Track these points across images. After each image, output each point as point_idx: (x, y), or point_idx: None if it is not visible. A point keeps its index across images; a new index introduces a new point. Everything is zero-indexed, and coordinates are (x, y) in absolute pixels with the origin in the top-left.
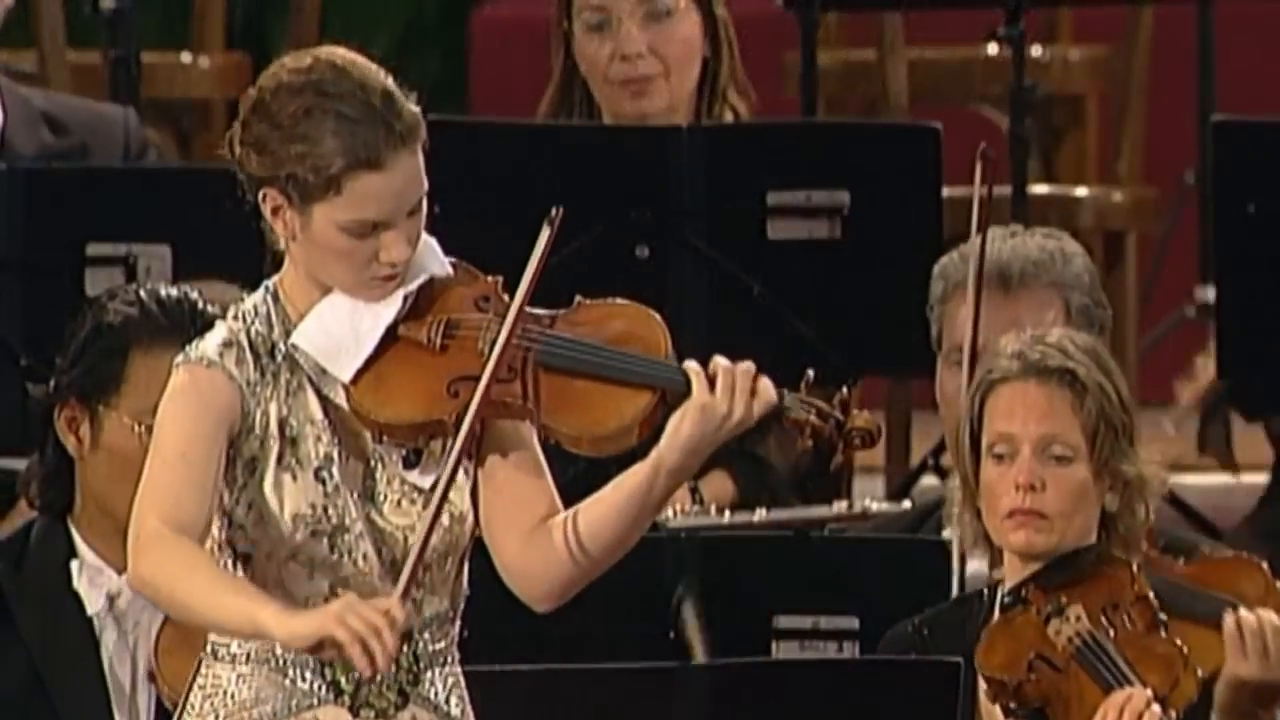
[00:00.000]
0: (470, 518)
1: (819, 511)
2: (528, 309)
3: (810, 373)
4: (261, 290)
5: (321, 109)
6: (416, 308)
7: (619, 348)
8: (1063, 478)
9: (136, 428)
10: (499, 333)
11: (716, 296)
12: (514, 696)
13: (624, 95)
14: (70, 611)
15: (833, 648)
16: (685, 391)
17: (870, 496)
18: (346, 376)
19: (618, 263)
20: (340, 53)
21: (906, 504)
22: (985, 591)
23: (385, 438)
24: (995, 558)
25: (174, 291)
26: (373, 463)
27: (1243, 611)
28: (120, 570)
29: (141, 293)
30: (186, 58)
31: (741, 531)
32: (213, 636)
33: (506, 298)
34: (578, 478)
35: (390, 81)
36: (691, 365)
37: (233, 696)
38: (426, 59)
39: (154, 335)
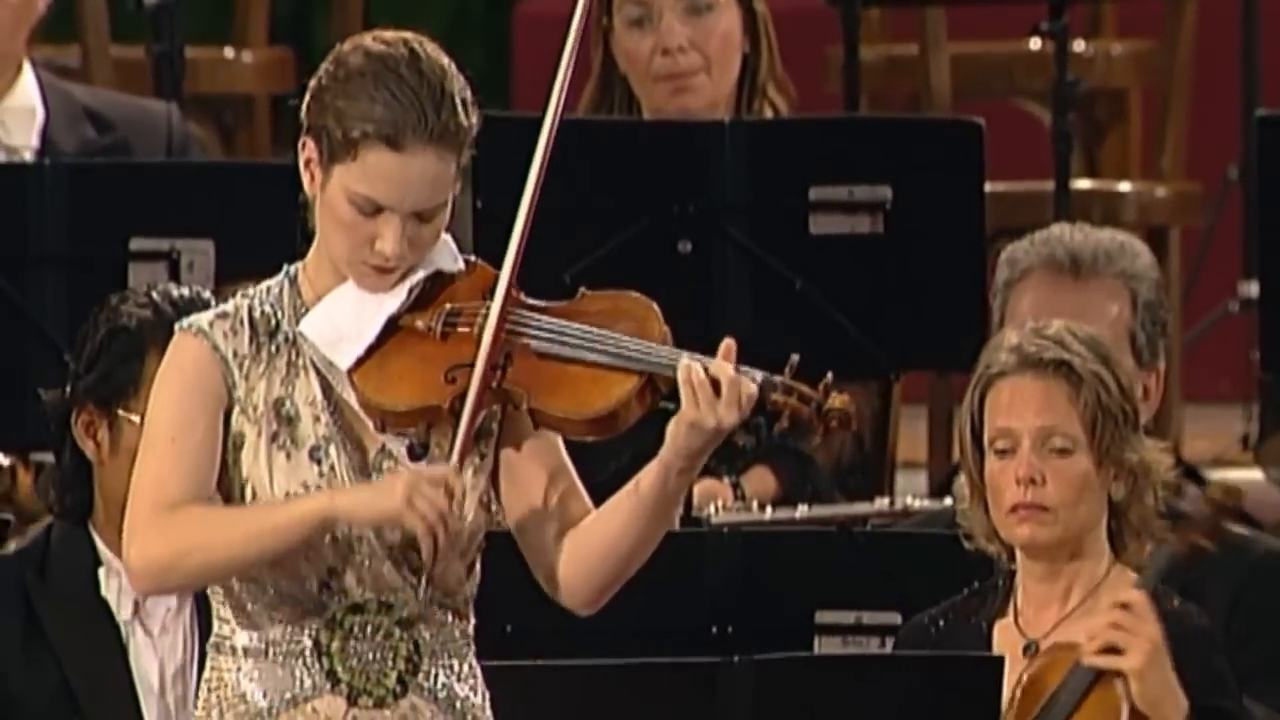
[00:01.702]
0: (470, 517)
1: (861, 507)
2: (527, 299)
3: (795, 357)
4: (281, 273)
5: (377, 77)
6: (422, 299)
7: (609, 332)
8: (1063, 469)
9: None
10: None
11: (759, 291)
12: (555, 692)
13: (665, 91)
14: (100, 619)
15: (875, 643)
16: (672, 379)
17: (912, 493)
18: (346, 364)
19: (660, 258)
20: (429, 45)
21: (949, 501)
22: (1000, 583)
23: (387, 426)
24: (1007, 551)
25: (185, 291)
26: (374, 449)
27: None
28: None
29: (154, 294)
30: (230, 53)
31: (784, 527)
32: (215, 629)
33: (514, 292)
34: (619, 472)
35: (462, 91)
36: (683, 373)
37: (233, 689)
38: (470, 53)
39: (169, 336)
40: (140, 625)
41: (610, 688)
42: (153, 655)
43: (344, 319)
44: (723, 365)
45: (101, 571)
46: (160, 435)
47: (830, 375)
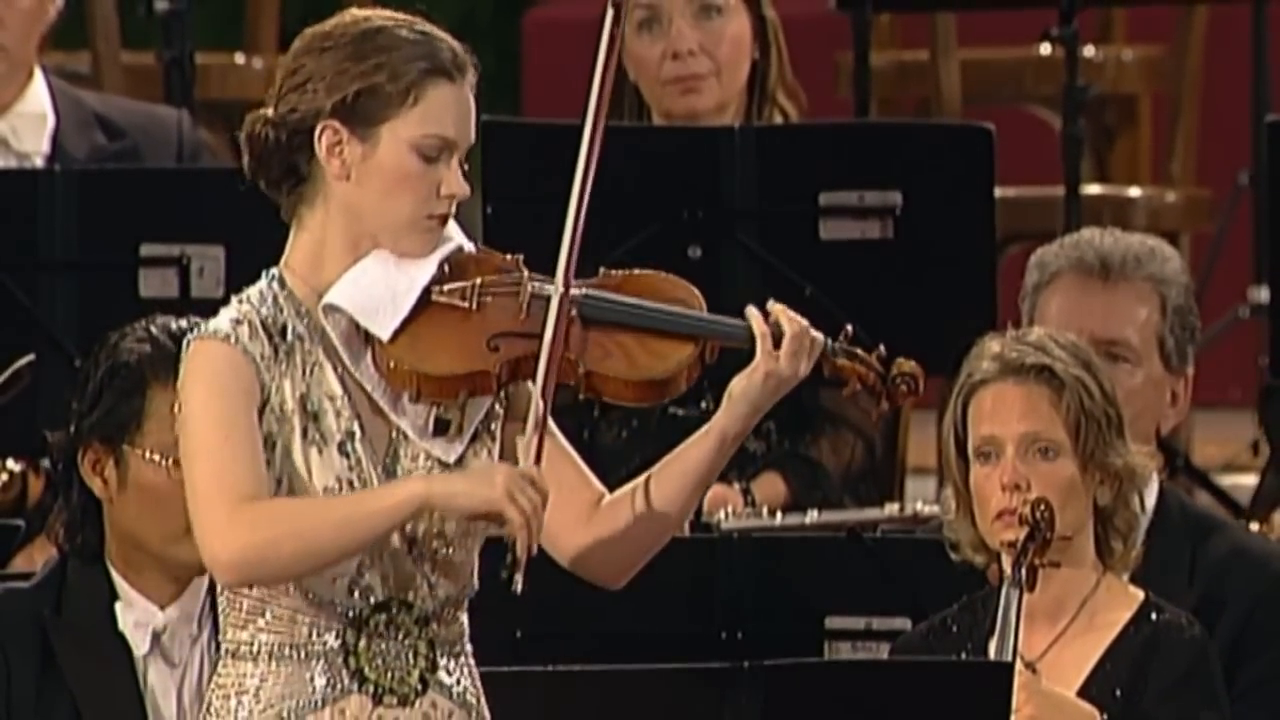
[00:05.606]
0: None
1: (871, 513)
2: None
3: (849, 327)
4: (264, 279)
5: (395, 27)
6: (447, 274)
7: (660, 303)
8: (1048, 474)
9: (163, 461)
10: (541, 287)
11: (769, 297)
12: (566, 697)
13: (674, 93)
14: (115, 654)
15: (885, 649)
16: (743, 345)
17: (922, 499)
18: (386, 334)
19: (670, 263)
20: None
21: None
22: (991, 594)
23: (423, 394)
24: (995, 561)
25: (183, 323)
26: (394, 438)
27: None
28: (163, 605)
29: (152, 328)
30: (240, 59)
31: (794, 533)
32: (229, 635)
33: (526, 271)
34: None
35: None
36: (757, 325)
37: (257, 695)
38: (479, 57)
39: (170, 369)
40: (161, 657)
41: (621, 693)
42: (171, 687)
43: (376, 290)
44: (791, 317)
45: (119, 606)
46: (210, 436)
47: (882, 347)
